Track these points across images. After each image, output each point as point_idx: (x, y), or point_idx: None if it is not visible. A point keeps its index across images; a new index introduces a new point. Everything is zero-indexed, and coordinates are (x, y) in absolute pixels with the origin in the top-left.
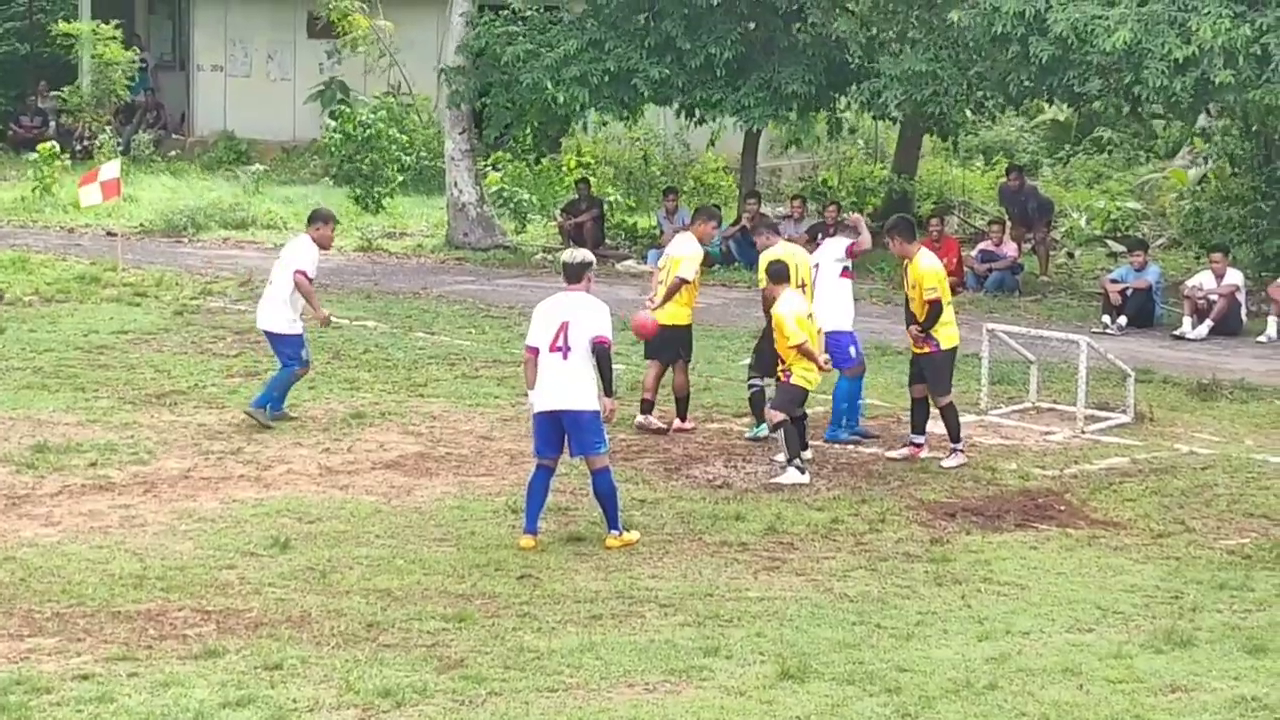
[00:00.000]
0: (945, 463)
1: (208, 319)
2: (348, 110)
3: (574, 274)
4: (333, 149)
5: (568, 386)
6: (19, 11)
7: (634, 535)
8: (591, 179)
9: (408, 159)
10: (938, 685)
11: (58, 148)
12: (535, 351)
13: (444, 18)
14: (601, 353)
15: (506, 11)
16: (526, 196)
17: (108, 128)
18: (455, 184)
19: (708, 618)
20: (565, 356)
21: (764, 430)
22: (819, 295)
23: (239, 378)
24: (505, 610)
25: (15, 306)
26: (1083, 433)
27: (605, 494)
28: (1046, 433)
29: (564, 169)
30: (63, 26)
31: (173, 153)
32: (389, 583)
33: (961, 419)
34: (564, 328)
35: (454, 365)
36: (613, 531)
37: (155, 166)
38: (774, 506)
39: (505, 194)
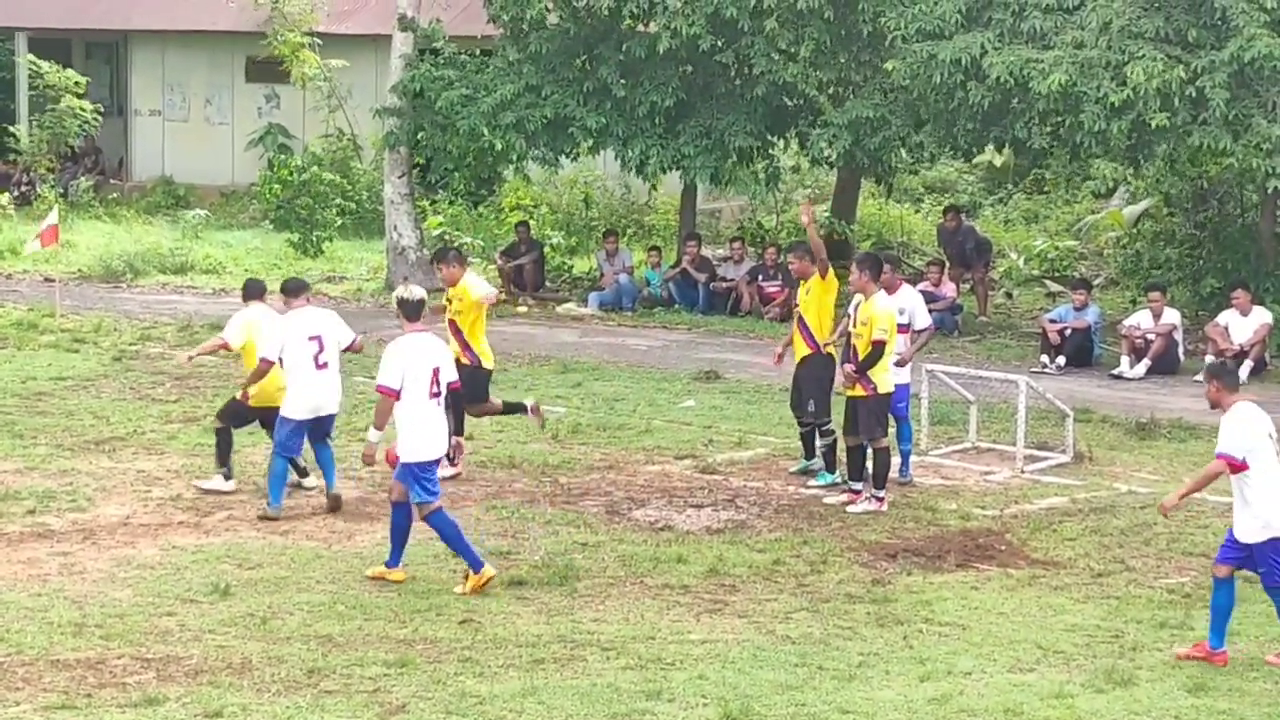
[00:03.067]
0: (853, 508)
1: (146, 365)
2: (285, 155)
3: (416, 311)
4: (269, 194)
5: (444, 431)
6: None
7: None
8: (531, 222)
9: (346, 202)
10: None
11: (14, 193)
12: (397, 395)
13: (384, 62)
14: (455, 396)
15: (442, 56)
16: (468, 240)
17: (50, 174)
18: (395, 228)
19: (650, 661)
20: (440, 403)
21: (831, 478)
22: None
23: (178, 423)
24: (447, 655)
25: None
26: (1022, 472)
27: (405, 528)
28: (986, 473)
29: (503, 212)
30: (39, 66)
31: (111, 197)
32: (330, 628)
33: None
34: (435, 374)
35: None
36: (392, 566)
37: (93, 212)
38: (715, 548)
39: (446, 237)
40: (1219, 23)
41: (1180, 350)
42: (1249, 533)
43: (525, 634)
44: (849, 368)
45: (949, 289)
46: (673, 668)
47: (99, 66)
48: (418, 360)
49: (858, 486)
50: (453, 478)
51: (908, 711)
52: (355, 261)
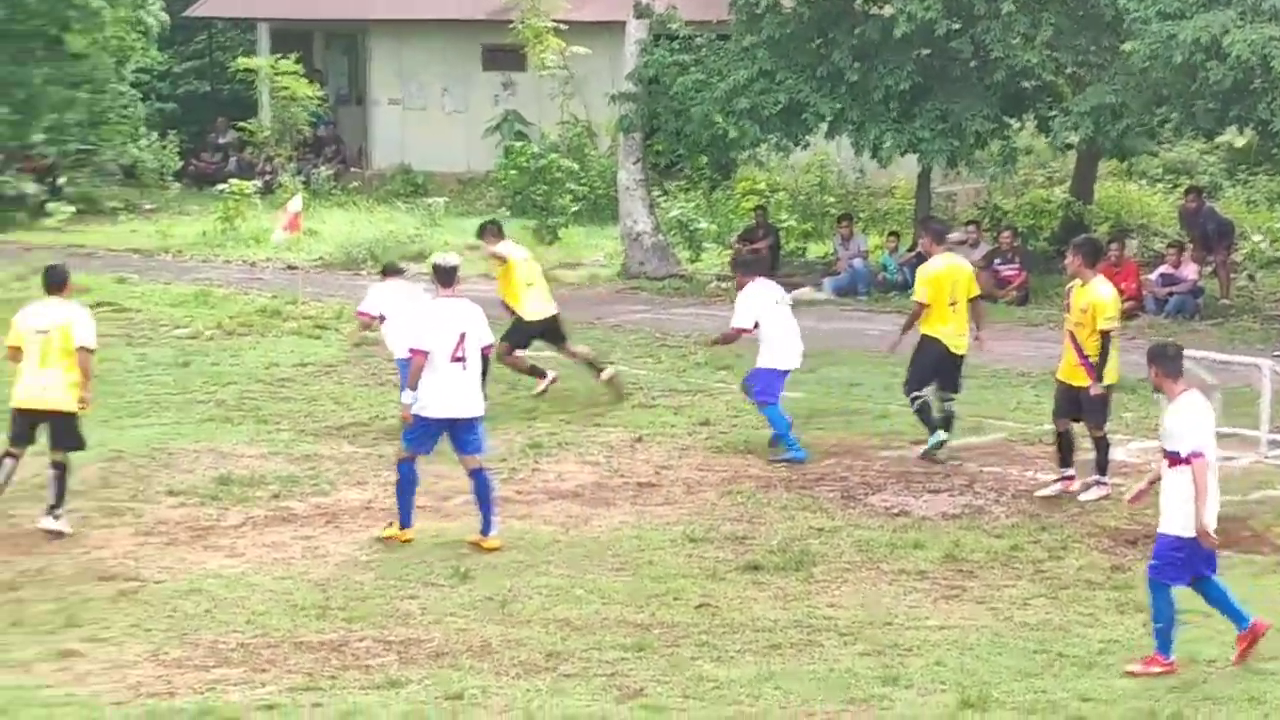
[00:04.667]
0: (1084, 496)
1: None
2: (522, 144)
3: (449, 277)
4: (507, 181)
5: (469, 395)
6: (198, 50)
7: (498, 542)
8: (767, 206)
9: (580, 188)
10: (1121, 715)
11: (258, 183)
12: (425, 355)
13: (619, 48)
14: (486, 359)
15: (678, 40)
16: (704, 225)
17: (289, 163)
18: (630, 214)
19: (887, 646)
20: (465, 367)
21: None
22: None
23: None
24: (684, 640)
25: (198, 340)
26: (1266, 458)
27: (487, 493)
28: (1229, 458)
29: (738, 196)
30: (242, 62)
31: (352, 185)
32: (568, 612)
33: (1143, 445)
34: (462, 339)
35: (630, 394)
36: (489, 534)
37: (334, 200)
38: (952, 534)
39: (683, 221)
40: None
41: None
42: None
43: (762, 619)
44: (1093, 386)
45: (1190, 271)
46: (910, 653)
47: (338, 57)
48: (444, 324)
49: (1070, 473)
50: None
51: (1148, 699)
52: (590, 248)
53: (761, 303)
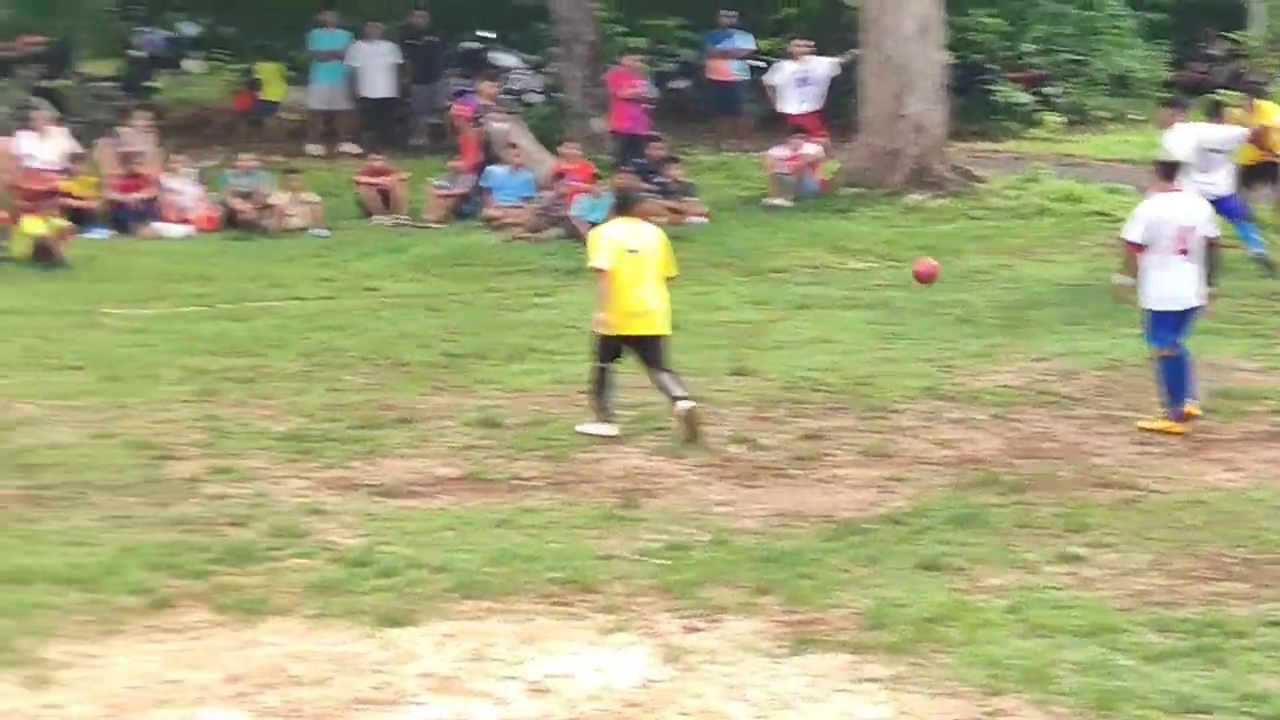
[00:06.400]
0: None
1: None
2: None
3: (1168, 172)
4: None
5: (1187, 286)
6: None
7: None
8: None
9: None
10: None
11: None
12: (1142, 248)
13: None
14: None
15: None
16: None
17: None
18: None
19: None
20: (1186, 259)
21: None
22: None
23: None
24: None
25: None
26: None
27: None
28: None
29: None
30: None
31: None
32: None
33: None
34: (1182, 232)
35: None
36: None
37: None
38: None
39: None
40: None
41: None
42: None
43: None
44: None
45: None
46: None
47: None
48: (1164, 216)
49: None
50: None
51: None
52: None
53: None
